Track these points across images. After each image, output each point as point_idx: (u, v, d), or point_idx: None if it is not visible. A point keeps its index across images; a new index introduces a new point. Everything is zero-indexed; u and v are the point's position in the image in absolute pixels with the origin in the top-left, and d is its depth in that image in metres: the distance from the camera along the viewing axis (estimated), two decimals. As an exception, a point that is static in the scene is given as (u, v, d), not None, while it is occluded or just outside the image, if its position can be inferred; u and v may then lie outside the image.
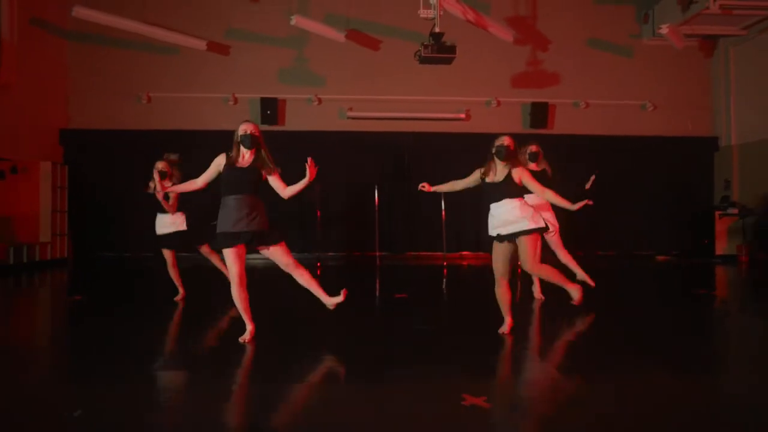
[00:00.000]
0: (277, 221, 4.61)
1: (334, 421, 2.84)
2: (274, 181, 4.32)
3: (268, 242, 4.29)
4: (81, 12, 9.06)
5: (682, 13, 9.96)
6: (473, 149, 8.28)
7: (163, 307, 5.82)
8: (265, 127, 11.27)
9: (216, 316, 5.42)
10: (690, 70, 11.87)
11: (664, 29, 9.48)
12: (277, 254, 4.34)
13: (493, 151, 4.47)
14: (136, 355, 3.98)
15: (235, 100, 11.30)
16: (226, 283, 4.58)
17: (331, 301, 4.47)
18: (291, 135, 11.33)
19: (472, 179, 4.66)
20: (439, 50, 7.68)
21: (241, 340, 4.25)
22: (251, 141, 4.23)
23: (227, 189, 4.23)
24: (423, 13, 8.02)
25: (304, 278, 4.43)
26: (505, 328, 4.52)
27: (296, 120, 11.44)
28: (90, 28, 10.53)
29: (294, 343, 4.43)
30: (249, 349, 4.15)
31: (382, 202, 11.44)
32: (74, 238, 10.82)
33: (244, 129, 4.26)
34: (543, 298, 6.13)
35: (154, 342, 4.48)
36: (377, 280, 8.60)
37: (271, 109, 11.23)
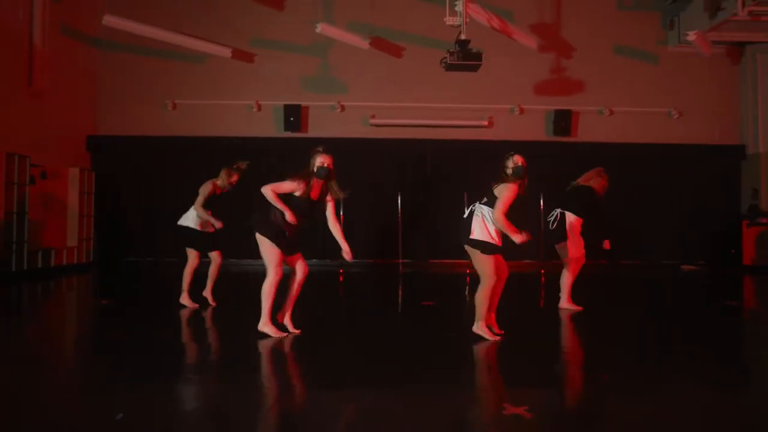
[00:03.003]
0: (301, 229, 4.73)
1: (373, 429, 2.82)
2: (330, 208, 4.58)
3: (296, 251, 4.61)
4: (111, 20, 9.21)
5: (709, 19, 9.84)
6: (496, 157, 8.28)
7: (175, 311, 5.83)
8: (288, 134, 11.40)
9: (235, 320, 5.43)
10: (717, 78, 11.72)
11: (692, 36, 9.37)
12: (299, 262, 4.61)
13: (512, 172, 4.48)
14: (155, 363, 3.99)
15: (259, 107, 11.39)
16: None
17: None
18: (314, 142, 11.31)
19: None
20: (465, 57, 7.67)
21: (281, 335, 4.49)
22: (327, 173, 4.44)
23: (294, 213, 4.43)
24: (449, 20, 8.03)
25: (296, 292, 4.65)
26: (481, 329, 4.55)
27: (319, 127, 11.50)
28: (118, 36, 10.69)
29: (326, 348, 4.41)
30: (287, 354, 4.14)
31: (404, 209, 11.43)
32: (100, 242, 10.96)
33: (321, 161, 4.43)
34: (575, 308, 6.04)
35: (171, 350, 4.49)
36: (401, 288, 8.57)
37: (294, 116, 11.30)
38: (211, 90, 11.36)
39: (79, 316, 6.38)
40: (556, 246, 5.92)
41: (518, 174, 4.47)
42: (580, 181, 6.00)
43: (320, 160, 4.43)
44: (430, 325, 5.43)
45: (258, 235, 4.44)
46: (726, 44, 11.29)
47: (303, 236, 4.52)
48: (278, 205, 4.39)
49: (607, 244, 6.01)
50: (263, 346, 4.32)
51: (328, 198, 4.55)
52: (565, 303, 5.99)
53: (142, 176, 11.17)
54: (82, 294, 8.07)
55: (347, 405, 3.18)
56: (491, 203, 4.44)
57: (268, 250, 4.41)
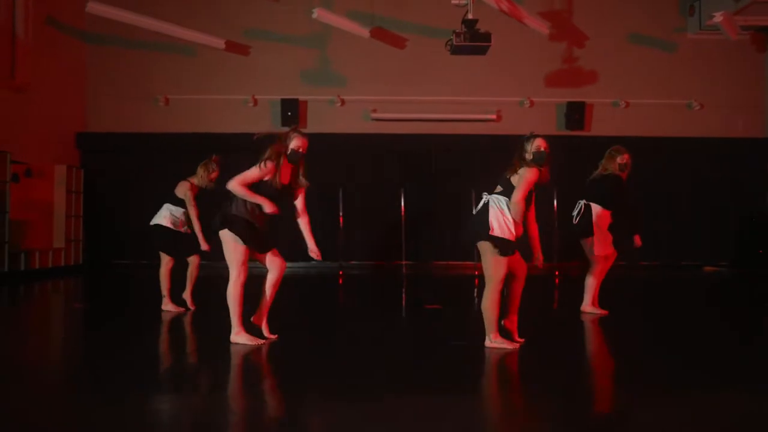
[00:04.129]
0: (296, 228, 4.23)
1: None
2: (300, 200, 4.13)
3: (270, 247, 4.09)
4: (95, 7, 8.70)
5: (734, 2, 9.18)
6: (505, 151, 7.67)
7: (165, 317, 5.29)
8: (286, 130, 10.83)
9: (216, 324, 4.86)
10: (740, 66, 11.01)
11: (719, 17, 8.71)
12: (274, 259, 4.06)
13: (532, 158, 3.92)
14: (135, 373, 3.43)
15: (255, 102, 10.86)
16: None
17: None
18: (312, 137, 10.78)
19: None
20: (472, 38, 7.06)
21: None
22: (300, 159, 4.02)
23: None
24: None
25: (272, 294, 4.07)
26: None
27: (318, 122, 10.93)
28: (107, 28, 10.23)
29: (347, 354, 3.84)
30: (274, 363, 3.57)
31: (408, 208, 10.85)
32: (89, 244, 10.44)
33: (297, 145, 3.96)
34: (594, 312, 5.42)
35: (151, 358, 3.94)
36: (405, 291, 7.99)
37: (291, 111, 10.76)
38: (205, 84, 10.84)
39: (53, 320, 5.85)
40: (582, 242, 5.27)
41: (539, 160, 3.90)
42: (599, 170, 5.39)
43: (296, 144, 3.95)
44: (437, 331, 4.86)
45: (220, 233, 3.89)
46: (750, 29, 10.60)
47: (297, 235, 4.06)
48: (252, 198, 3.88)
49: (638, 240, 5.35)
50: (245, 354, 3.77)
51: (297, 188, 4.05)
52: (588, 306, 5.37)
53: (133, 174, 10.66)
54: (62, 298, 7.56)
55: (341, 421, 2.58)
56: (508, 193, 3.83)
57: (232, 248, 3.88)
